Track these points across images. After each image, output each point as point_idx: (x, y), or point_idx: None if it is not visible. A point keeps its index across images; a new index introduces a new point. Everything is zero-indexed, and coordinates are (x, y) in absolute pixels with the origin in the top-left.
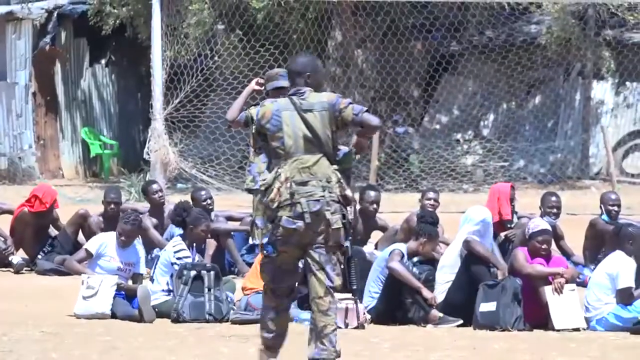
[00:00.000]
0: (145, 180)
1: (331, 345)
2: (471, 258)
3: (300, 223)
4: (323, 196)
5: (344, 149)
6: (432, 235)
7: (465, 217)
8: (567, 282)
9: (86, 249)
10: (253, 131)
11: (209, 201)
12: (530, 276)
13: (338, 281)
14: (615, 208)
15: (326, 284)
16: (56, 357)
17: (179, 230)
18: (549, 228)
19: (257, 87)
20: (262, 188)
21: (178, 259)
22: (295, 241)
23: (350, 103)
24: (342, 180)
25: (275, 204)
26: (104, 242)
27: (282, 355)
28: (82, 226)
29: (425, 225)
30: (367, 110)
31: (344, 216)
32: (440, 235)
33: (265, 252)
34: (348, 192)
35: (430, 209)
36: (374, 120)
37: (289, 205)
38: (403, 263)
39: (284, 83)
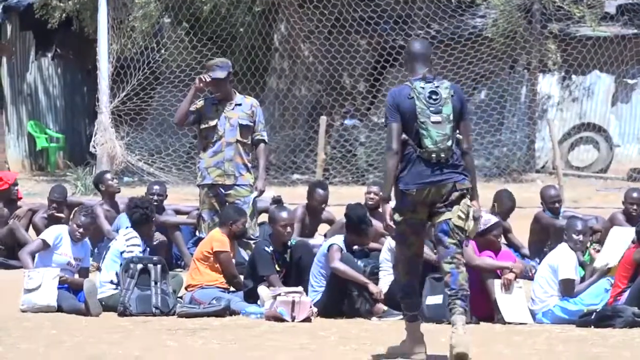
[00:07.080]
0: (91, 173)
1: None
2: None
3: None
4: None
5: None
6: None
7: None
8: (516, 277)
9: (43, 240)
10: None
11: (156, 197)
12: (479, 268)
13: None
14: (556, 205)
15: None
16: (2, 350)
17: (127, 222)
18: (498, 221)
19: (201, 86)
20: None
21: (127, 247)
22: None
23: None
24: None
25: None
26: (60, 234)
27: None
28: (30, 219)
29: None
30: None
31: None
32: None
33: None
34: None
35: (370, 203)
36: None
37: None
38: (348, 257)
39: (220, 74)
